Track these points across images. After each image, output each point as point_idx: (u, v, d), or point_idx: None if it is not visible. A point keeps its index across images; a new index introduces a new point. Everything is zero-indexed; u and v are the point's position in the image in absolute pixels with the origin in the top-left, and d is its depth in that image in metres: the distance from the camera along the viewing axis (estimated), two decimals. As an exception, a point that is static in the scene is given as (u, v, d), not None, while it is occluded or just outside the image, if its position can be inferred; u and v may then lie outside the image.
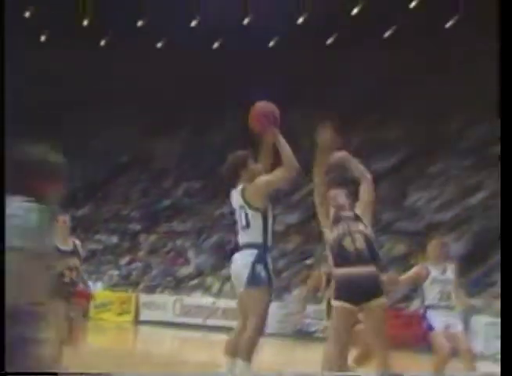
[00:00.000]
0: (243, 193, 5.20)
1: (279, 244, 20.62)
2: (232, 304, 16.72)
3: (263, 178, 5.17)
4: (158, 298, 19.00)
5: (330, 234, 5.26)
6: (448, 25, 24.29)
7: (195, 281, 19.66)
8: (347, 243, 5.19)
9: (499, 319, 12.94)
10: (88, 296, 7.62)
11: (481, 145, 21.26)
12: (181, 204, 25.28)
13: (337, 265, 5.23)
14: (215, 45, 27.81)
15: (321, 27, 24.57)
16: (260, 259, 5.09)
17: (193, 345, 14.61)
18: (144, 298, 19.12)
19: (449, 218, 18.36)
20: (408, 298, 14.87)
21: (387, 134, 24.38)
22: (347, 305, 5.11)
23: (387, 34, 25.35)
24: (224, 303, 16.16)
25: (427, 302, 7.06)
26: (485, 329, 12.58)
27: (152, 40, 27.38)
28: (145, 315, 18.60)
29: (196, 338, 15.24)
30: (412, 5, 23.96)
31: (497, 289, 13.83)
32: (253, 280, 5.05)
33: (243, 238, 5.22)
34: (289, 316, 15.95)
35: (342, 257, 5.20)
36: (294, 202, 22.95)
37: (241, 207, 5.19)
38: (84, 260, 7.43)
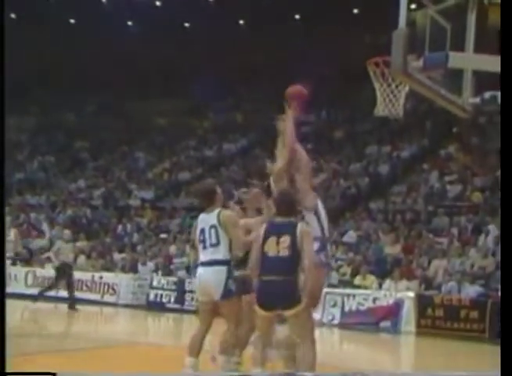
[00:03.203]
0: (218, 215, 5.76)
1: (136, 218, 20.30)
2: (86, 275, 16.28)
3: (237, 218, 5.89)
4: (10, 269, 18.02)
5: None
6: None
7: (49, 253, 18.88)
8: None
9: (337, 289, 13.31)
10: None
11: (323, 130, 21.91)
12: (35, 177, 24.24)
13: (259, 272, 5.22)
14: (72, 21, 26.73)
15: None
16: (230, 275, 5.69)
17: (45, 317, 14.06)
18: (-5, 269, 18.04)
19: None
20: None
21: (238, 118, 24.60)
22: (262, 312, 5.17)
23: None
24: (77, 275, 15.64)
25: None
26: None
27: None
28: (-5, 286, 17.58)
29: (47, 310, 14.66)
30: None
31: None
32: (226, 294, 5.65)
33: (211, 255, 5.72)
34: (142, 287, 15.80)
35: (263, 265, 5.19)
36: (149, 179, 22.69)
37: (212, 226, 5.72)
38: None
